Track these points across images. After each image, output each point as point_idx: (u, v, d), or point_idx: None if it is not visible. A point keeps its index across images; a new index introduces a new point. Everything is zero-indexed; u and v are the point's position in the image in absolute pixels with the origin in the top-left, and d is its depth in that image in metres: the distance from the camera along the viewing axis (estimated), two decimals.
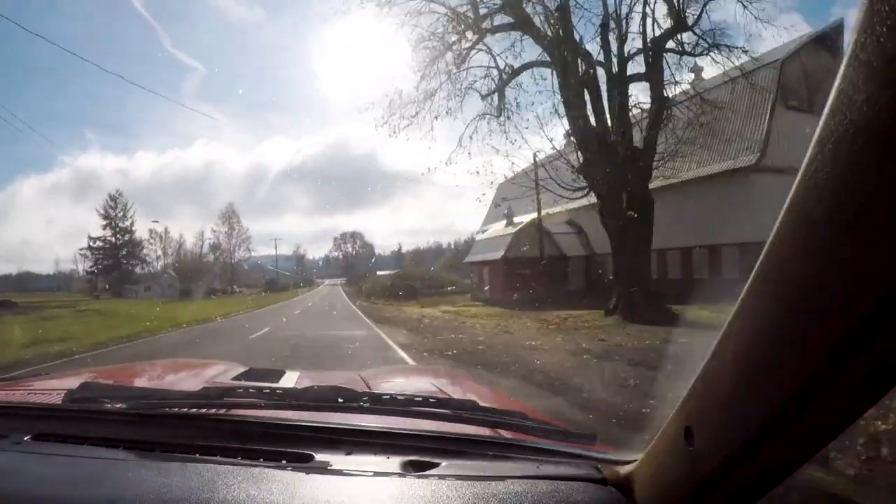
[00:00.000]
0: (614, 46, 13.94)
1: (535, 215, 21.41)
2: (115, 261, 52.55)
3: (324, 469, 0.86)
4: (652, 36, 13.75)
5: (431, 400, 1.07)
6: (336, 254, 72.51)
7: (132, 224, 53.75)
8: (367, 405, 1.05)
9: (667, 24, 13.73)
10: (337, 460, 0.90)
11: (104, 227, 52.53)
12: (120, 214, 53.08)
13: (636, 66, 14.00)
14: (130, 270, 53.48)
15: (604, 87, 13.74)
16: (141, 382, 1.72)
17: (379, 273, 49.88)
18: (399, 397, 1.07)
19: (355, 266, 63.83)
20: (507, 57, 14.77)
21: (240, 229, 58.33)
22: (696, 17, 13.50)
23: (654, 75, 13.65)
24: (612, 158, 13.02)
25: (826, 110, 0.41)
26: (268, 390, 1.14)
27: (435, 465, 0.88)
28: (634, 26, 14.24)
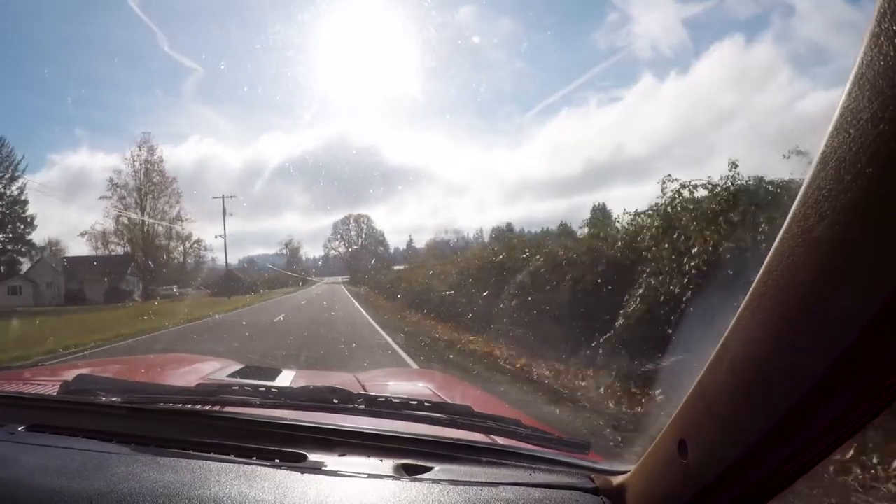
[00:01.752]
0: None
1: None
2: None
3: (317, 469, 0.86)
4: None
5: (426, 404, 1.07)
6: (336, 243, 55.58)
7: (22, 192, 33.35)
8: (361, 407, 1.05)
9: None
10: (330, 461, 0.89)
11: None
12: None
13: None
14: (14, 260, 34.37)
15: None
16: (137, 376, 1.72)
17: (396, 268, 34.52)
18: (394, 400, 1.07)
19: (362, 257, 48.57)
20: None
21: (163, 181, 37.10)
22: None
23: None
24: None
25: (830, 128, 0.41)
26: (263, 389, 1.14)
27: (428, 469, 0.88)
28: None
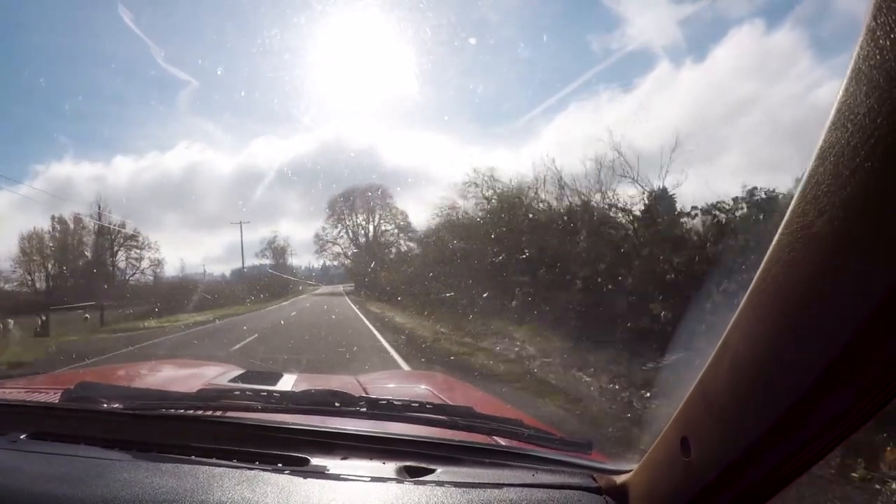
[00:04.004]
0: None
1: None
2: None
3: (319, 473, 0.86)
4: None
5: (428, 406, 1.07)
6: (335, 232, 35.60)
7: None
8: (363, 410, 1.05)
9: None
10: (333, 464, 0.89)
11: None
12: None
13: None
14: None
15: None
16: (138, 383, 1.72)
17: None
18: (396, 402, 1.07)
19: (374, 254, 31.13)
20: None
21: None
22: None
23: None
24: None
25: (828, 123, 0.41)
26: (265, 393, 1.14)
27: (431, 472, 0.88)
28: None
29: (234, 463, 0.88)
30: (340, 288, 37.70)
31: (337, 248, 37.59)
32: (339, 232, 36.50)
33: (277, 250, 39.14)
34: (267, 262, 38.95)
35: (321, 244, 37.38)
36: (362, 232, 36.58)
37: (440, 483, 0.84)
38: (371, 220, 35.58)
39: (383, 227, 35.92)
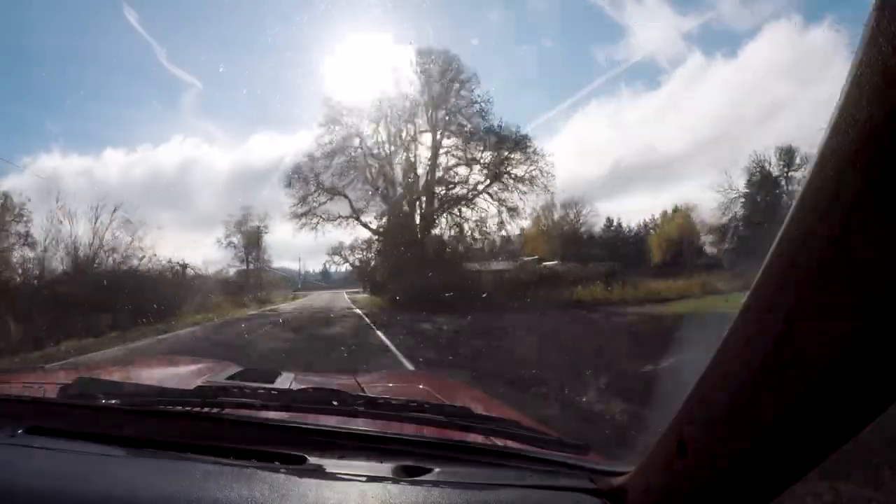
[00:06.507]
0: None
1: None
2: None
3: (316, 472, 0.86)
4: None
5: (426, 405, 1.07)
6: (329, 176, 18.78)
7: None
8: (361, 408, 1.05)
9: None
10: (329, 463, 0.89)
11: None
12: None
13: None
14: None
15: None
16: (137, 379, 1.72)
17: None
18: (393, 402, 1.07)
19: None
20: None
21: None
22: None
23: None
24: None
25: (828, 129, 0.41)
26: (263, 391, 1.14)
27: (428, 471, 0.88)
28: None
29: (231, 460, 0.88)
30: (343, 293, 24.48)
31: (338, 209, 18.46)
32: (346, 159, 16.96)
33: (250, 236, 24.82)
34: (235, 256, 25.52)
35: (303, 188, 18.51)
36: (402, 155, 16.69)
37: (437, 483, 0.84)
38: (432, 112, 15.53)
39: (452, 138, 16.26)
